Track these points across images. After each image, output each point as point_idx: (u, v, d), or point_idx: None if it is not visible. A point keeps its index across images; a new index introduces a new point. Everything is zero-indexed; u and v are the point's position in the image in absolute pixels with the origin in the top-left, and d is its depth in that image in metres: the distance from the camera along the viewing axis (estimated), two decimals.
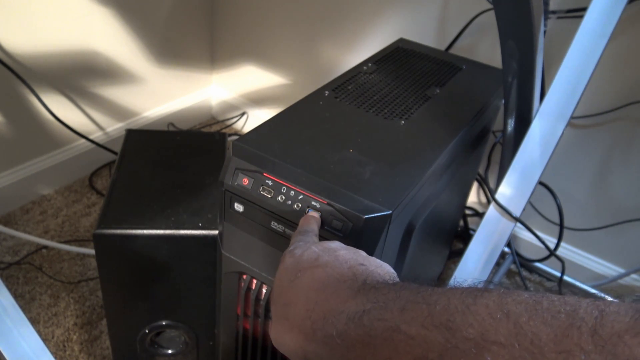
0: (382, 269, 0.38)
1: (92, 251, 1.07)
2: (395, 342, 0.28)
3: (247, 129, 1.61)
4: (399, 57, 0.86)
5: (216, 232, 0.64)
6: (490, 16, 1.00)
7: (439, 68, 0.84)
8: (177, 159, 0.78)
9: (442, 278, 1.13)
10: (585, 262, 1.13)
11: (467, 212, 1.23)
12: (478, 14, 1.03)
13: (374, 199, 0.50)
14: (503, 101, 0.81)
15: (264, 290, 0.61)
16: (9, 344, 0.59)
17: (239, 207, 0.56)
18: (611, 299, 0.23)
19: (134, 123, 1.43)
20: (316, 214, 0.50)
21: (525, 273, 1.19)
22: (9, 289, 0.64)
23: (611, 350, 0.21)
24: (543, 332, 0.23)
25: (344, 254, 0.39)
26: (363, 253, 0.41)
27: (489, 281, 0.28)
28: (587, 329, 0.22)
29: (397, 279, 0.38)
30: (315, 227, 0.48)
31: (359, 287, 0.34)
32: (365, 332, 0.30)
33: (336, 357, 0.32)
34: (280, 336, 0.38)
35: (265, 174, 0.53)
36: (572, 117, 0.71)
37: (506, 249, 1.15)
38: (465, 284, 0.30)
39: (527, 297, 0.25)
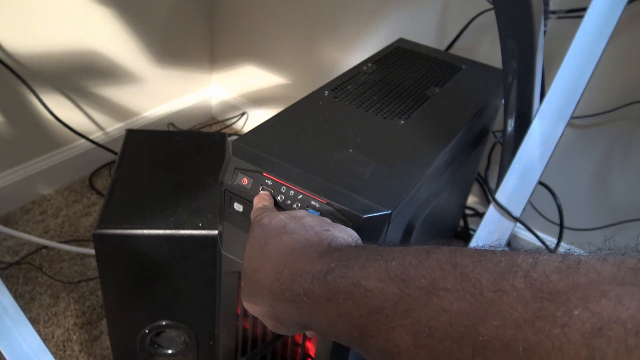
0: (346, 232, 0.42)
1: (92, 251, 1.07)
2: (355, 296, 0.31)
3: (247, 129, 1.61)
4: (398, 57, 0.86)
5: (216, 232, 0.64)
6: (490, 16, 1.00)
7: (438, 68, 0.84)
8: (177, 159, 0.78)
9: None
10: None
11: (467, 212, 1.23)
12: (478, 14, 1.03)
13: (373, 199, 0.50)
14: (503, 101, 0.81)
15: None
16: (9, 344, 0.59)
17: (238, 207, 0.56)
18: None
19: (134, 123, 1.43)
20: (266, 192, 0.53)
21: None
22: (9, 289, 0.64)
23: (539, 286, 0.24)
24: (484, 277, 0.26)
25: (310, 221, 0.42)
26: (328, 220, 0.45)
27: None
28: (521, 273, 0.25)
29: (361, 242, 0.41)
30: (268, 203, 0.51)
31: (324, 250, 0.37)
32: (329, 289, 0.33)
33: (303, 313, 0.35)
34: (251, 299, 0.40)
35: (265, 174, 0.53)
36: (572, 117, 0.71)
37: (506, 249, 1.15)
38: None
39: (474, 251, 0.29)
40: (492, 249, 0.29)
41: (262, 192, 0.53)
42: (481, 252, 0.28)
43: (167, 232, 0.65)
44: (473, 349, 0.24)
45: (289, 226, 0.42)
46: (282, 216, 0.44)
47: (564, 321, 0.22)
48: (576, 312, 0.22)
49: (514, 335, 0.23)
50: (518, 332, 0.23)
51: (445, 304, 0.26)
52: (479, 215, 1.24)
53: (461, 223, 1.22)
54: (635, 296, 0.21)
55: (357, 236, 0.43)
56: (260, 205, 0.50)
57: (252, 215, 0.49)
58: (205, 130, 1.61)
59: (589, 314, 0.21)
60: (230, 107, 1.62)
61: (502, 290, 0.25)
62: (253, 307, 0.41)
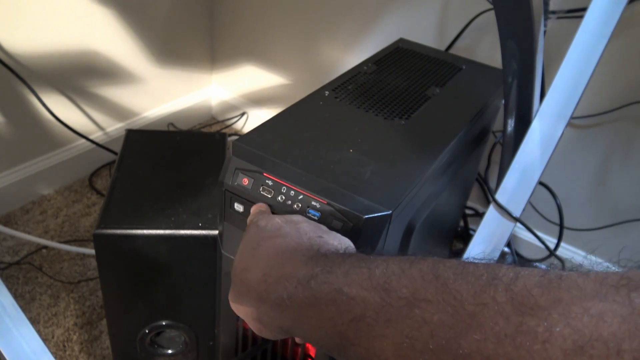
0: (338, 240, 0.42)
1: (92, 251, 1.07)
2: (338, 303, 0.31)
3: (247, 129, 1.61)
4: (399, 57, 0.86)
5: (216, 232, 0.64)
6: (490, 16, 1.00)
7: (439, 68, 0.84)
8: (177, 159, 0.78)
9: None
10: (585, 262, 1.13)
11: (467, 212, 1.23)
12: (478, 14, 1.03)
13: (374, 199, 0.50)
14: (503, 101, 0.81)
15: None
16: (9, 344, 0.59)
17: (239, 207, 0.56)
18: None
19: (134, 123, 1.43)
20: (264, 204, 0.53)
21: None
22: (9, 289, 0.64)
23: (520, 300, 0.24)
24: (465, 289, 0.26)
25: (305, 227, 0.43)
26: (324, 227, 0.45)
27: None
28: (502, 286, 0.25)
29: (351, 250, 0.41)
30: (265, 209, 0.51)
31: (312, 255, 0.37)
32: (311, 295, 0.33)
33: (286, 317, 0.35)
34: (237, 299, 0.40)
35: (265, 174, 0.53)
36: (572, 117, 0.71)
37: (506, 249, 1.15)
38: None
39: (457, 263, 0.29)
40: (476, 261, 0.29)
41: (259, 204, 0.53)
42: (464, 264, 0.28)
43: (167, 232, 0.65)
44: None
45: (283, 230, 0.42)
46: (278, 219, 0.44)
47: (545, 337, 0.21)
48: (557, 329, 0.21)
49: (495, 349, 0.23)
50: (499, 347, 0.23)
51: (427, 315, 0.26)
52: (479, 215, 1.24)
53: (461, 223, 1.22)
54: (617, 313, 0.21)
55: (351, 244, 0.43)
56: (257, 210, 0.51)
57: (249, 218, 0.49)
58: (205, 130, 1.61)
59: (570, 331, 0.21)
60: (230, 107, 1.62)
61: (483, 304, 0.25)
62: (238, 307, 0.41)
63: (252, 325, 0.40)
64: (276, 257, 0.38)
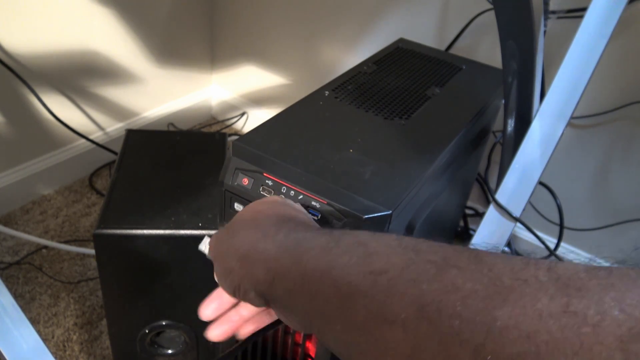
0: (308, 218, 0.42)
1: (92, 251, 1.07)
2: (357, 253, 0.29)
3: (247, 129, 1.61)
4: (399, 57, 0.86)
5: (216, 232, 0.64)
6: (490, 16, 1.00)
7: (439, 68, 0.84)
8: (177, 159, 0.78)
9: None
10: (585, 262, 1.13)
11: (467, 212, 1.23)
12: (478, 14, 1.03)
13: (373, 199, 0.50)
14: (503, 101, 0.81)
15: None
16: (9, 344, 0.59)
17: (239, 207, 0.56)
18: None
19: (134, 123, 1.43)
20: None
21: None
22: (9, 289, 0.64)
23: (565, 282, 0.22)
24: (501, 265, 0.24)
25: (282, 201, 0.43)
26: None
27: None
28: (544, 267, 0.23)
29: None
30: None
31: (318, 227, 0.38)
32: (327, 241, 0.32)
33: (284, 258, 0.34)
34: (230, 239, 0.40)
35: (265, 174, 0.53)
36: (572, 117, 0.71)
37: (506, 249, 1.15)
38: None
39: (489, 248, 0.27)
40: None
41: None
42: (496, 251, 0.27)
43: (167, 232, 0.65)
44: (487, 333, 0.22)
45: (259, 205, 0.43)
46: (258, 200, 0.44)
47: (595, 321, 0.20)
48: (611, 314, 0.20)
49: (536, 327, 0.21)
50: (541, 324, 0.21)
51: (458, 281, 0.24)
52: (479, 215, 1.24)
53: (461, 223, 1.22)
54: None
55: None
56: None
57: None
58: (205, 130, 1.61)
59: (625, 317, 0.20)
60: (230, 107, 1.62)
61: (523, 280, 0.23)
62: (222, 259, 0.40)
63: (235, 281, 0.38)
64: (277, 218, 0.39)
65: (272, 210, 0.40)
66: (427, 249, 0.27)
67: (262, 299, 0.36)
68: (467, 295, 0.23)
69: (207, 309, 0.43)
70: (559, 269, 0.23)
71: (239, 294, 0.38)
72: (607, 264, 0.24)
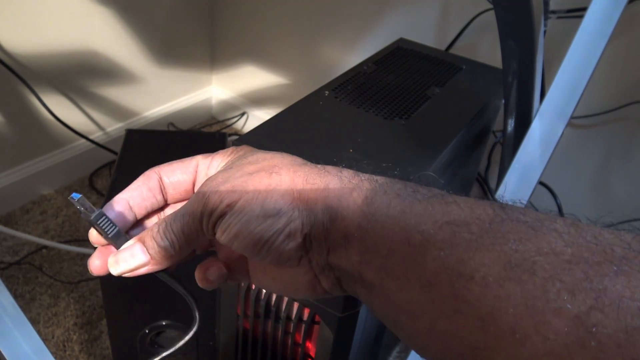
0: None
1: (92, 251, 1.07)
2: (433, 203, 0.25)
3: (247, 129, 1.61)
4: (399, 57, 0.86)
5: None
6: (490, 16, 1.00)
7: (439, 68, 0.84)
8: (177, 159, 0.78)
9: None
10: None
11: None
12: (478, 14, 1.03)
13: None
14: (503, 101, 0.81)
15: (264, 290, 0.61)
16: (9, 344, 0.59)
17: None
18: None
19: (134, 123, 1.43)
20: None
21: None
22: (9, 289, 0.64)
23: None
24: (607, 234, 0.22)
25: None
26: None
27: None
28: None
29: None
30: None
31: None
32: (394, 185, 0.27)
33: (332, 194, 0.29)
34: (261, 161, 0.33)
35: None
36: (572, 117, 0.71)
37: None
38: None
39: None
40: None
41: None
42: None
43: None
44: (594, 301, 0.19)
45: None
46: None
47: None
48: None
49: None
50: None
51: (557, 247, 0.21)
52: None
53: None
54: None
55: None
56: None
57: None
58: (205, 130, 1.61)
59: None
60: (230, 107, 1.62)
61: (637, 251, 0.20)
62: (260, 199, 0.29)
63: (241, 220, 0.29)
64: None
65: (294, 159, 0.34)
66: (515, 210, 0.24)
67: (304, 249, 0.29)
68: (569, 260, 0.20)
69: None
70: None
71: (274, 242, 0.29)
72: None
